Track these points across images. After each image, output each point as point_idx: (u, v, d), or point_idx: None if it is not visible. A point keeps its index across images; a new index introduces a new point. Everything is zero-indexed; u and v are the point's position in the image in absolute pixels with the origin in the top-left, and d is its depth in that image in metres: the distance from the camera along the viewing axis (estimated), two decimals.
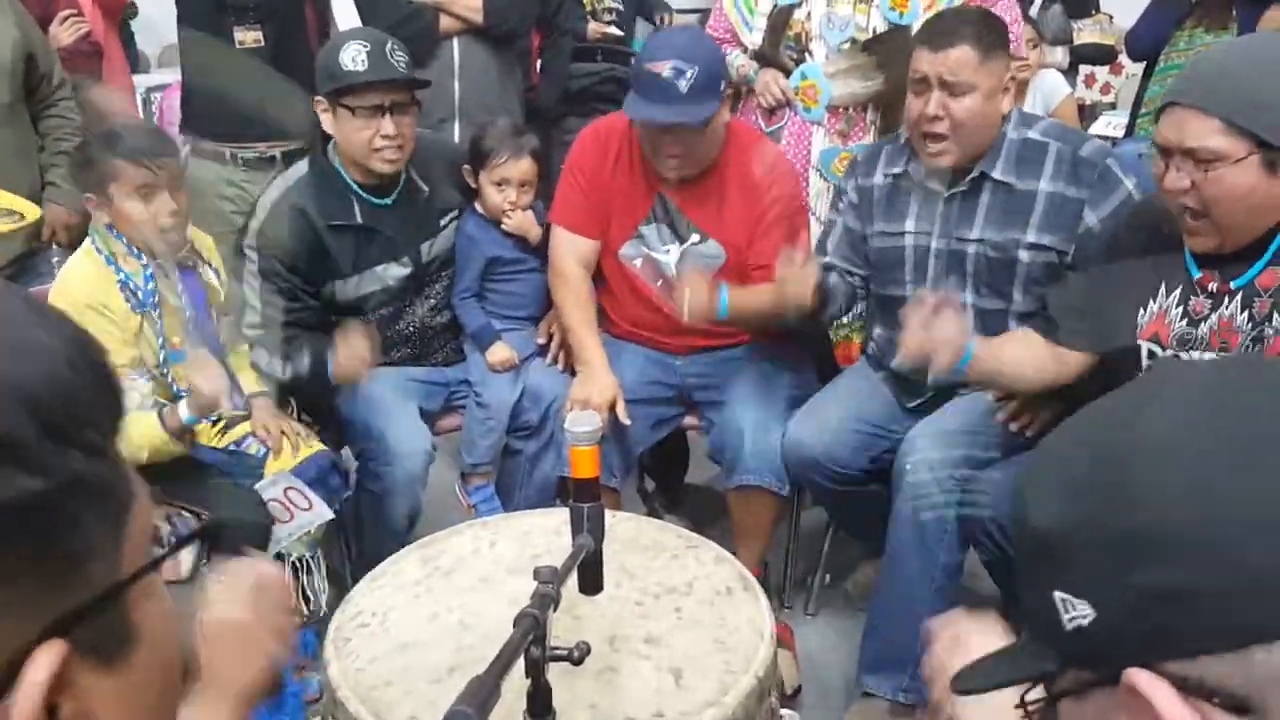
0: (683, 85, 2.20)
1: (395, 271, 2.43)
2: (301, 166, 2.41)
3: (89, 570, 0.49)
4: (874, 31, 2.67)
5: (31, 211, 2.15)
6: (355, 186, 2.37)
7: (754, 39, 2.81)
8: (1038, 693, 0.67)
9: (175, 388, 2.19)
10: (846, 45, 2.70)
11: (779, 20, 2.75)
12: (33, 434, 0.47)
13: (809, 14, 2.72)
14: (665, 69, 2.21)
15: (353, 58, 2.25)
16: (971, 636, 1.06)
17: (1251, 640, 0.54)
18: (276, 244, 2.31)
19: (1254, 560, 0.54)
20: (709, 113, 2.25)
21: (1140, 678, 0.57)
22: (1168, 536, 0.56)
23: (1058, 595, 0.61)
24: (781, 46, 2.76)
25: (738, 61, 2.85)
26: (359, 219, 2.37)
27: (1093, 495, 0.60)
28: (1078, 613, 0.60)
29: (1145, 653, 0.57)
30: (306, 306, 2.36)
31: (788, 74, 2.76)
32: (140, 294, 2.12)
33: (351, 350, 2.26)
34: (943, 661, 1.06)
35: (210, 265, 2.29)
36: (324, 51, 2.39)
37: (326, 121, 2.33)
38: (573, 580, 1.15)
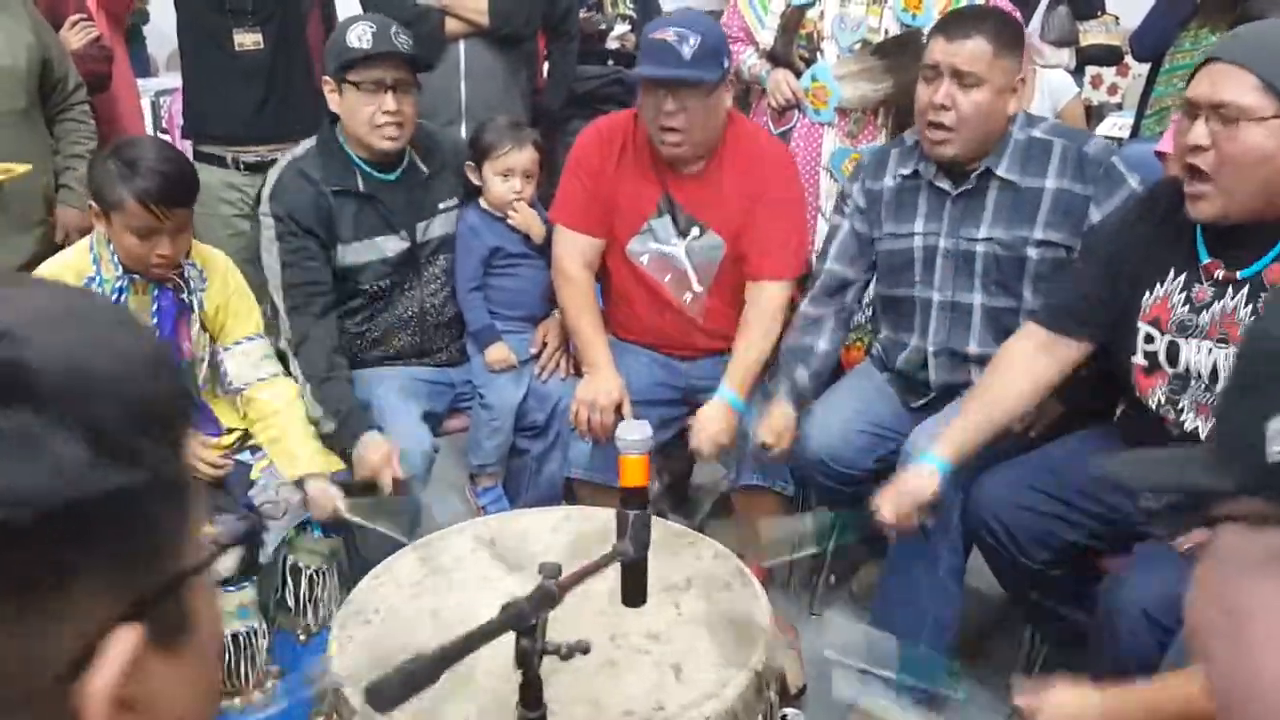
0: (686, 51, 2.24)
1: (394, 244, 2.46)
2: (309, 141, 2.47)
3: (162, 561, 0.52)
4: (886, 33, 2.67)
5: (19, 168, 2.17)
6: (359, 160, 2.43)
7: (767, 37, 2.81)
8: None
9: None
10: (858, 46, 2.69)
11: (792, 20, 2.75)
12: (129, 431, 0.49)
13: (822, 14, 2.72)
14: (670, 35, 2.26)
15: (359, 36, 2.32)
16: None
17: None
18: (287, 206, 2.37)
19: None
20: (711, 76, 2.27)
21: None
22: None
23: (1274, 425, 0.55)
24: (794, 45, 2.76)
25: (750, 61, 2.85)
26: (360, 188, 2.42)
27: None
28: None
29: None
30: (321, 271, 2.39)
31: (799, 74, 2.76)
32: None
33: (374, 458, 2.24)
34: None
35: (202, 284, 2.25)
36: (333, 36, 2.47)
37: (333, 102, 2.39)
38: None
